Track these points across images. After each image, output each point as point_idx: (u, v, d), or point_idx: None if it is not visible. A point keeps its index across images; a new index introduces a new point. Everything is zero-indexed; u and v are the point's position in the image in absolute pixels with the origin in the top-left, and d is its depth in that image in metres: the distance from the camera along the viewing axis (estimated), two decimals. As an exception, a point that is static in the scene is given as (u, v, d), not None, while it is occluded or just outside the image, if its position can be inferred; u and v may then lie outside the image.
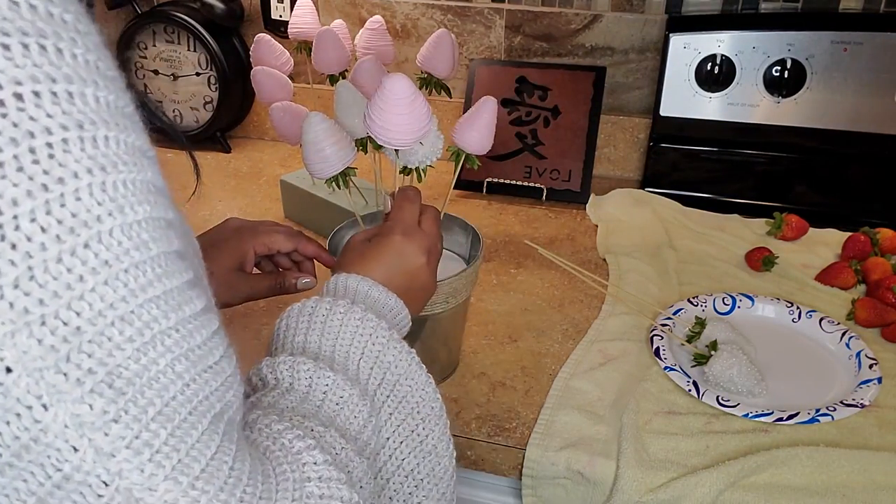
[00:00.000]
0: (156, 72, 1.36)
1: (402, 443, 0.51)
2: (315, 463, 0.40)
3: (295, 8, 1.03)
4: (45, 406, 0.30)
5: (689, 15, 1.17)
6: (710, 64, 1.12)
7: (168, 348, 0.33)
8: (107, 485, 0.31)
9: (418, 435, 0.52)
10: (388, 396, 0.51)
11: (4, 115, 0.28)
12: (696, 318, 0.84)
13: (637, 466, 0.68)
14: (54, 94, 0.30)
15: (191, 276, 0.35)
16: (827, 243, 1.05)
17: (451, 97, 0.81)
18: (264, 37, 0.97)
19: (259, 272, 0.75)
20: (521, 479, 0.72)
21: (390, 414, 0.51)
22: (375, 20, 0.98)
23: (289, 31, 1.03)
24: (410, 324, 0.59)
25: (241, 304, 0.73)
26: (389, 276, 0.59)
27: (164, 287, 0.33)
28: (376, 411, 0.49)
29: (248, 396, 0.46)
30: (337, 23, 1.02)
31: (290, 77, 0.98)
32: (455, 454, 0.54)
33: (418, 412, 0.52)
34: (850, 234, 1.01)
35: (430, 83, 0.88)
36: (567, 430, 0.72)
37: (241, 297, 0.72)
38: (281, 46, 0.98)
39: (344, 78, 0.99)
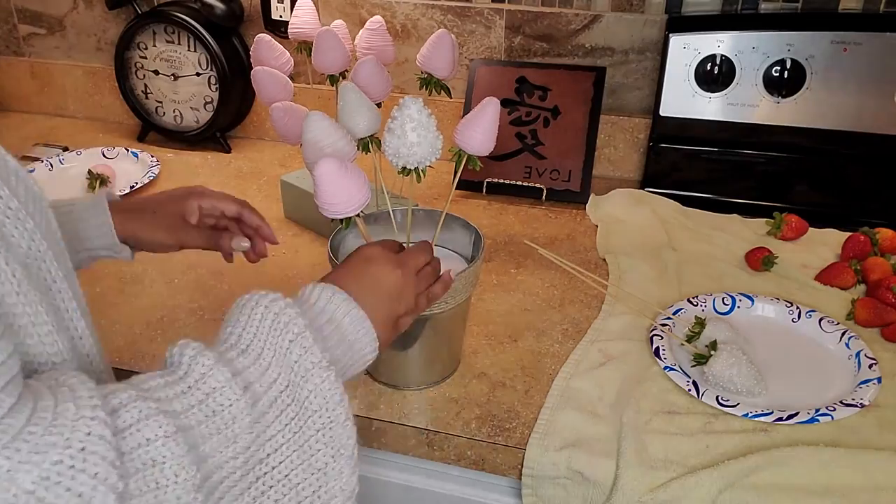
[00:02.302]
0: (156, 72, 1.36)
1: (293, 452, 0.48)
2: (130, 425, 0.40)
3: (295, 8, 1.03)
4: None
5: (689, 15, 1.17)
6: (709, 64, 1.12)
7: None
8: None
9: (311, 448, 0.49)
10: (293, 400, 0.49)
11: None
12: (696, 317, 0.84)
13: (637, 466, 0.68)
14: None
15: None
16: (827, 243, 1.05)
17: (451, 97, 0.81)
18: (264, 37, 0.97)
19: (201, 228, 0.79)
20: (521, 479, 0.72)
21: (287, 424, 0.48)
22: (375, 20, 0.99)
23: (289, 31, 1.03)
24: (375, 341, 0.57)
25: (177, 250, 0.78)
26: (359, 286, 0.59)
27: None
28: (265, 418, 0.47)
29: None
30: (337, 23, 1.02)
31: (291, 77, 0.98)
32: (356, 487, 0.51)
33: (314, 423, 0.49)
34: (849, 234, 1.01)
35: (430, 83, 0.88)
36: (567, 430, 0.72)
37: (175, 240, 0.77)
38: (281, 47, 0.98)
39: (344, 78, 0.99)
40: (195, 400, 0.45)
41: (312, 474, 0.49)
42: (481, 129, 0.70)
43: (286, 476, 0.48)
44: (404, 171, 0.71)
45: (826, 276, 0.96)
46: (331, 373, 0.50)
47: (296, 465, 0.48)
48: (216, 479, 0.45)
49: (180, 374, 0.46)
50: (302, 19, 1.02)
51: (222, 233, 0.79)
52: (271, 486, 0.48)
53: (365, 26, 0.99)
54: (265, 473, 0.47)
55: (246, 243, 0.79)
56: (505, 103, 1.22)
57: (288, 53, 0.98)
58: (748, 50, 1.10)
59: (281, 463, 0.48)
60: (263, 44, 0.96)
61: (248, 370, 0.47)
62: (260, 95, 0.95)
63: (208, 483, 0.44)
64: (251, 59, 0.99)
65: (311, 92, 1.35)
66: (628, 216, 1.12)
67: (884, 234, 1.00)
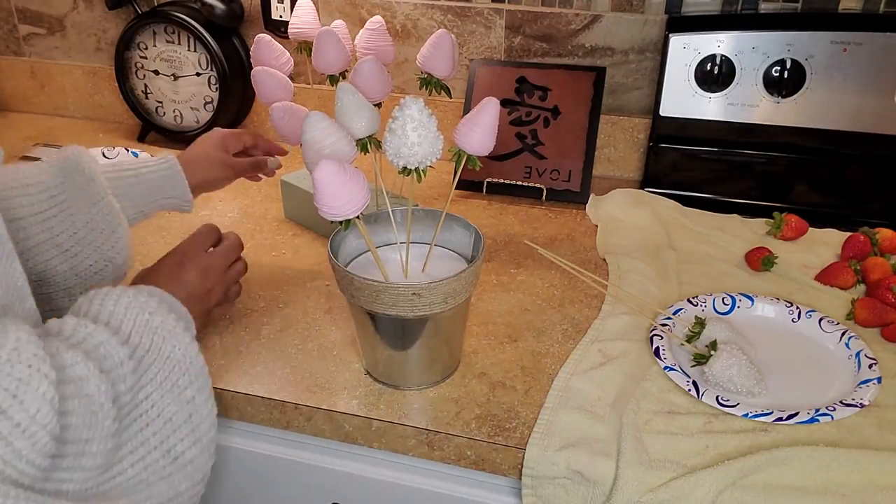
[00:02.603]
0: (156, 72, 1.36)
1: (164, 394, 0.59)
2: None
3: (295, 8, 1.03)
4: None
5: (689, 15, 1.17)
6: (709, 64, 1.12)
7: None
8: None
9: (178, 387, 0.60)
10: (155, 357, 0.59)
11: None
12: (696, 317, 0.84)
13: (637, 466, 0.68)
14: None
15: None
16: (827, 243, 1.05)
17: (451, 97, 0.81)
18: (264, 37, 0.97)
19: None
20: (521, 479, 0.72)
21: (157, 372, 0.59)
22: (375, 20, 0.99)
23: (289, 31, 1.03)
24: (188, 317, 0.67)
25: (231, 181, 0.97)
26: (170, 278, 0.75)
27: None
28: (137, 359, 0.58)
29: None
30: (337, 23, 1.02)
31: (290, 77, 0.98)
32: (215, 407, 0.63)
33: (179, 367, 0.60)
34: (849, 234, 1.01)
35: (430, 83, 0.88)
36: (567, 429, 0.72)
37: (227, 175, 0.95)
38: (281, 47, 0.98)
39: (344, 78, 0.99)
40: (89, 346, 0.54)
41: (182, 407, 0.60)
42: (481, 129, 0.70)
43: (160, 413, 0.58)
44: (405, 171, 0.71)
45: (826, 276, 0.96)
46: (187, 332, 0.63)
47: (168, 401, 0.59)
48: (115, 394, 0.54)
49: (67, 333, 0.54)
50: (302, 19, 1.02)
51: (257, 158, 1.01)
52: (153, 419, 0.58)
53: (365, 26, 0.99)
54: (146, 411, 0.57)
55: (277, 160, 1.04)
56: (505, 103, 1.22)
57: (288, 54, 0.99)
58: (748, 50, 1.10)
59: (157, 402, 0.58)
60: (263, 44, 0.97)
61: (121, 333, 0.58)
62: (259, 95, 0.95)
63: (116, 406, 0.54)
64: (251, 60, 0.99)
65: (312, 92, 1.35)
66: (628, 216, 1.12)
67: (884, 234, 1.00)
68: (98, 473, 0.52)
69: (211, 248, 0.81)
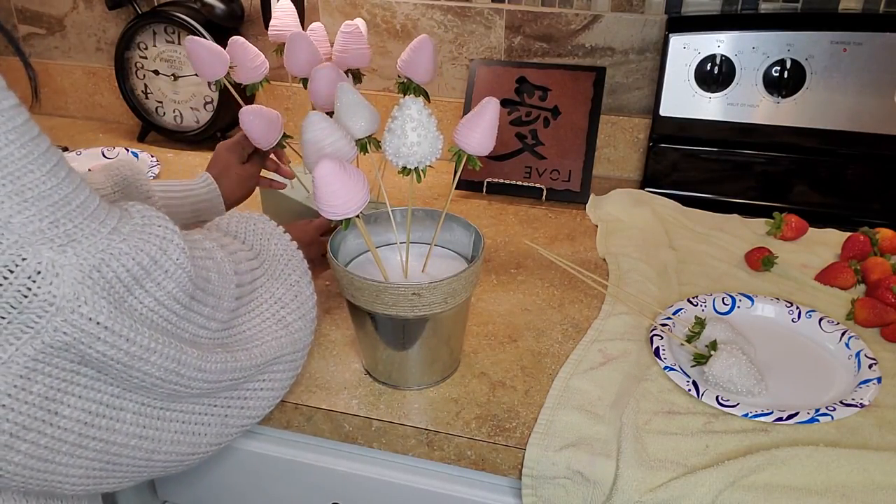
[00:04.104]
0: (156, 72, 1.36)
1: (272, 280, 0.70)
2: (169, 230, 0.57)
3: (276, 10, 1.03)
4: None
5: (689, 15, 1.17)
6: (709, 64, 1.12)
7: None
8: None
9: (285, 274, 0.71)
10: (265, 251, 0.72)
11: None
12: (696, 318, 0.84)
13: (637, 466, 0.68)
14: None
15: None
16: (826, 243, 1.05)
17: (429, 101, 0.81)
18: (238, 39, 0.95)
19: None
20: (521, 479, 0.72)
21: (267, 263, 0.71)
22: (350, 23, 0.98)
23: (269, 33, 1.03)
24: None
25: (256, 185, 1.01)
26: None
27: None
28: (255, 258, 0.70)
29: None
30: (314, 25, 1.02)
31: (267, 79, 0.98)
32: (314, 293, 0.73)
33: (285, 260, 0.72)
34: (849, 234, 1.01)
35: (409, 88, 0.88)
36: (567, 430, 0.72)
37: (254, 177, 1.00)
38: (255, 49, 0.96)
39: None
40: (212, 238, 0.65)
41: (290, 288, 0.71)
42: (481, 129, 0.70)
43: (272, 294, 0.69)
44: (404, 170, 0.71)
45: (826, 276, 0.96)
46: (291, 241, 0.74)
47: (277, 286, 0.70)
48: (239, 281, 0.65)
49: (192, 237, 0.63)
50: (282, 21, 1.02)
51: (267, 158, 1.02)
52: (266, 298, 0.69)
53: (340, 29, 0.98)
54: (259, 291, 0.69)
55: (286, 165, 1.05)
56: (505, 103, 1.22)
57: (263, 56, 0.98)
58: (748, 50, 1.10)
59: (267, 286, 0.70)
60: (237, 45, 0.95)
61: (237, 235, 0.72)
62: (197, 70, 0.94)
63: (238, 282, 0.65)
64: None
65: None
66: (628, 216, 1.12)
67: (884, 234, 1.00)
68: (223, 328, 0.62)
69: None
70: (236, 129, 1.40)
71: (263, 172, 1.03)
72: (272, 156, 1.01)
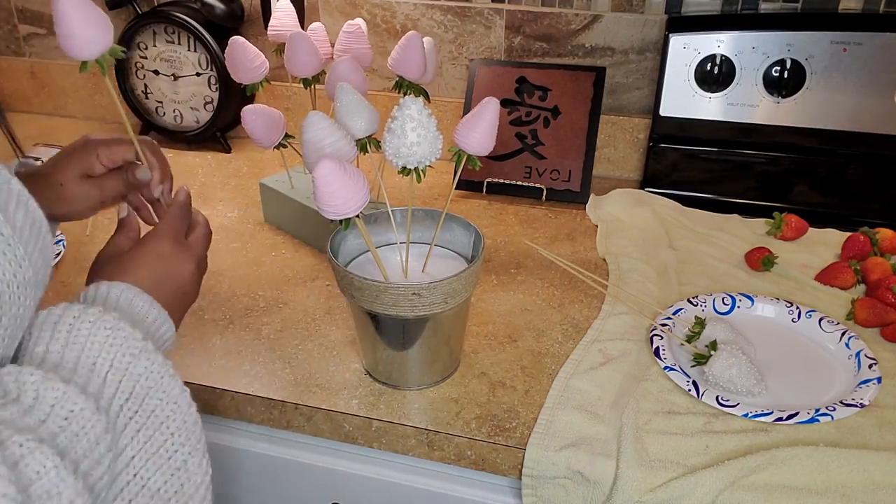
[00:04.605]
0: (156, 72, 1.36)
1: (148, 460, 0.48)
2: None
3: (276, 10, 1.03)
4: None
5: (689, 15, 1.17)
6: (709, 64, 1.12)
7: None
8: None
9: (167, 451, 0.49)
10: (136, 411, 0.48)
11: None
12: (696, 317, 0.84)
13: (637, 466, 0.68)
14: None
15: None
16: (827, 243, 1.05)
17: (429, 101, 0.81)
18: (238, 39, 0.96)
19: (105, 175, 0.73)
20: (521, 479, 0.72)
21: (137, 430, 0.48)
22: (353, 23, 0.98)
23: (268, 33, 1.03)
24: (174, 332, 0.57)
25: (97, 211, 0.72)
26: (156, 282, 0.59)
27: None
28: (115, 427, 0.47)
29: None
30: (314, 25, 1.02)
31: (267, 79, 0.98)
32: (210, 471, 0.52)
33: (168, 427, 0.50)
34: (849, 234, 1.01)
35: (403, 86, 0.87)
36: (567, 430, 0.72)
37: (93, 201, 0.71)
38: (255, 49, 0.97)
39: (318, 82, 0.99)
40: (42, 414, 0.42)
41: (172, 475, 0.49)
42: (481, 129, 0.70)
43: (144, 485, 0.48)
44: (404, 170, 0.71)
45: (826, 276, 0.96)
46: (175, 377, 0.51)
47: (153, 470, 0.48)
48: (91, 484, 0.44)
49: (12, 396, 0.43)
50: (281, 21, 1.02)
51: (128, 167, 0.72)
52: (136, 495, 0.47)
53: (342, 29, 0.98)
54: (126, 484, 0.47)
55: (149, 172, 0.71)
56: (505, 103, 1.22)
57: (263, 56, 0.98)
58: (748, 50, 1.10)
59: (140, 472, 0.48)
60: (237, 46, 0.96)
61: (92, 390, 0.46)
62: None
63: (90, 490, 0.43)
64: (226, 63, 0.98)
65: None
66: (628, 216, 1.12)
67: (884, 234, 1.00)
68: None
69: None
70: (237, 130, 1.41)
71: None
72: (130, 180, 0.72)
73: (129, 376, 0.48)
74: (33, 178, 0.69)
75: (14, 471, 0.38)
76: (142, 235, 0.65)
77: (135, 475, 0.47)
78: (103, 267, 0.61)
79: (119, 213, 0.68)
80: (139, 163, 0.72)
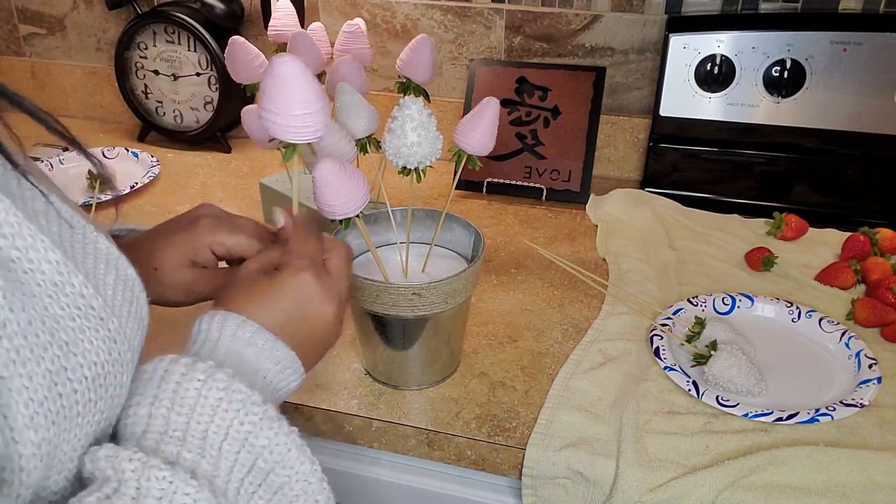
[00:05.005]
0: (156, 72, 1.36)
1: None
2: None
3: (275, 10, 1.02)
4: None
5: (689, 15, 1.17)
6: (709, 64, 1.12)
7: None
8: None
9: None
10: (259, 486, 0.42)
11: None
12: (696, 317, 0.84)
13: (637, 466, 0.68)
14: None
15: None
16: (827, 243, 1.05)
17: (429, 101, 0.81)
18: (238, 39, 0.96)
19: (219, 268, 0.63)
20: (521, 479, 0.72)
21: None
22: (352, 23, 0.98)
23: (268, 33, 1.03)
24: (302, 379, 0.50)
25: (199, 302, 0.63)
26: (287, 321, 0.50)
27: None
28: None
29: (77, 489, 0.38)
30: (314, 25, 1.02)
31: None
32: None
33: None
34: (849, 234, 1.01)
35: (408, 88, 0.88)
36: (567, 430, 0.72)
37: (193, 296, 0.62)
38: (255, 49, 0.97)
39: (320, 80, 0.98)
40: None
41: None
42: (481, 129, 0.70)
43: None
44: (404, 170, 0.71)
45: (826, 276, 0.96)
46: (304, 447, 0.44)
47: None
48: None
49: (112, 486, 0.37)
50: (281, 21, 1.02)
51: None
52: None
53: (342, 29, 0.98)
54: None
55: (282, 221, 0.61)
56: (505, 103, 1.22)
57: (263, 55, 0.98)
58: (748, 50, 1.10)
59: None
60: (237, 45, 0.96)
61: (196, 459, 0.40)
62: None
63: None
64: (225, 63, 0.98)
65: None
66: (628, 216, 1.12)
67: (884, 234, 1.00)
68: None
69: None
70: (237, 130, 1.41)
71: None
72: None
73: (250, 448, 0.41)
74: (123, 250, 0.51)
75: None
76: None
77: None
78: (229, 289, 0.52)
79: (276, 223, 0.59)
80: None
